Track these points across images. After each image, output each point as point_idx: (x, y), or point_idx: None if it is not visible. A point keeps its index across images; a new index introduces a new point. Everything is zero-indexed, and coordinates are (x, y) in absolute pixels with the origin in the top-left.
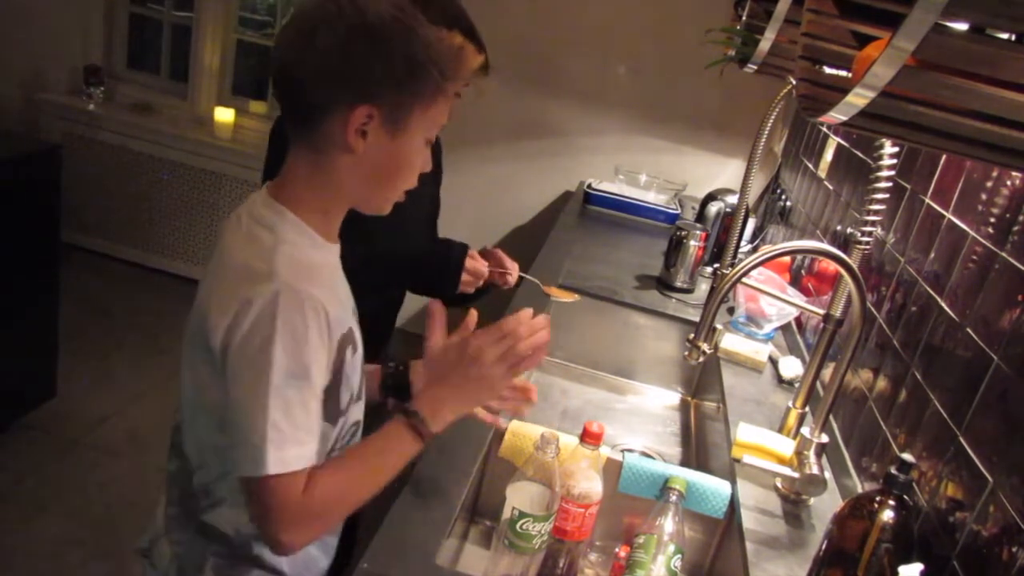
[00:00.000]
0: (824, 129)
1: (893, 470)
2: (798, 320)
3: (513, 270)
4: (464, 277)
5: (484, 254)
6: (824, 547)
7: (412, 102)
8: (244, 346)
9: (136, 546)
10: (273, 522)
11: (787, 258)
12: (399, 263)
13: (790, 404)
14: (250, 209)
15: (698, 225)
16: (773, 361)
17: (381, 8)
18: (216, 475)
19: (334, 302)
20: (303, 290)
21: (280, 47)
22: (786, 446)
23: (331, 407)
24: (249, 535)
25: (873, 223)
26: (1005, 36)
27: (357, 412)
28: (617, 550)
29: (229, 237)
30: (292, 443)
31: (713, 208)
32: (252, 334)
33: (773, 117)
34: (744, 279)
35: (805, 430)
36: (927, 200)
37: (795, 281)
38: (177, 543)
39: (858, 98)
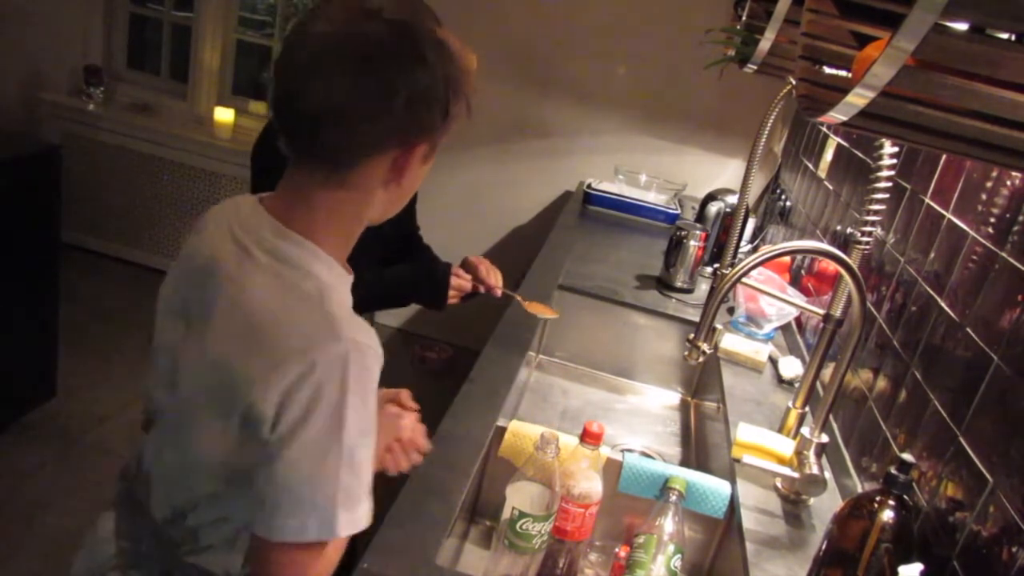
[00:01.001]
0: (824, 129)
1: (893, 470)
2: (798, 320)
3: (494, 281)
4: (450, 293)
5: (466, 266)
6: (824, 547)
7: (449, 127)
8: (312, 412)
9: None
10: None
11: (787, 258)
12: (386, 287)
13: (790, 404)
14: (259, 241)
15: (698, 225)
16: (773, 361)
17: (429, 40)
18: (209, 520)
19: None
20: (364, 343)
21: (306, 81)
22: (786, 446)
23: None
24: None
25: (873, 223)
26: (1005, 36)
27: None
28: (617, 550)
29: (247, 279)
30: (362, 500)
31: (713, 208)
32: (320, 399)
33: (773, 117)
34: (744, 279)
35: (805, 430)
36: (927, 200)
37: (795, 281)
38: None
39: (858, 98)
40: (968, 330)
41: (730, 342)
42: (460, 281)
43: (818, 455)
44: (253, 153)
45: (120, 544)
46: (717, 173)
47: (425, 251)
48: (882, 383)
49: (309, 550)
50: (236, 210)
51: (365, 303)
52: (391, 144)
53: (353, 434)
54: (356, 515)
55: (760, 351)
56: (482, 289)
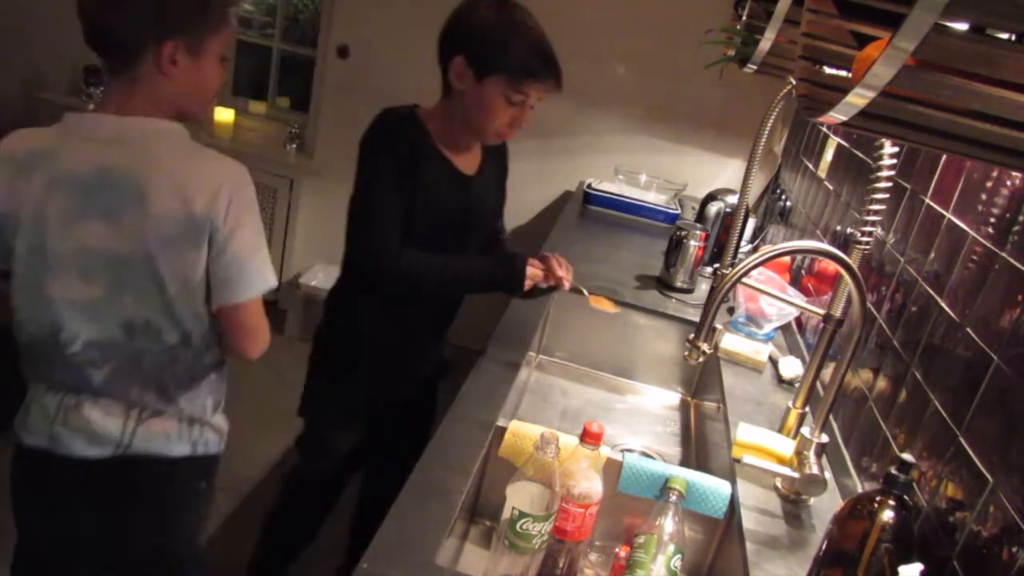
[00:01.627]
0: (824, 129)
1: (893, 470)
2: (798, 320)
3: (563, 274)
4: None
5: (539, 259)
6: (824, 547)
7: (209, 26)
8: (242, 211)
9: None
10: (263, 330)
11: (787, 258)
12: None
13: (790, 404)
14: (128, 135)
15: (698, 225)
16: (773, 361)
17: None
18: (207, 329)
19: None
20: (239, 163)
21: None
22: (786, 446)
23: None
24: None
25: (873, 223)
26: (1005, 36)
27: None
28: (617, 550)
29: (150, 162)
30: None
31: (713, 208)
32: (244, 201)
33: (773, 117)
34: (744, 279)
35: (805, 430)
36: (927, 200)
37: (795, 281)
38: (185, 406)
39: (858, 98)
40: (968, 330)
41: (730, 342)
42: (534, 270)
43: (818, 455)
44: (366, 142)
45: (166, 388)
46: (717, 173)
47: (504, 245)
48: (882, 383)
49: (260, 299)
50: (77, 123)
51: (448, 284)
52: (150, 38)
53: (259, 217)
54: (271, 271)
55: (760, 351)
56: (552, 281)
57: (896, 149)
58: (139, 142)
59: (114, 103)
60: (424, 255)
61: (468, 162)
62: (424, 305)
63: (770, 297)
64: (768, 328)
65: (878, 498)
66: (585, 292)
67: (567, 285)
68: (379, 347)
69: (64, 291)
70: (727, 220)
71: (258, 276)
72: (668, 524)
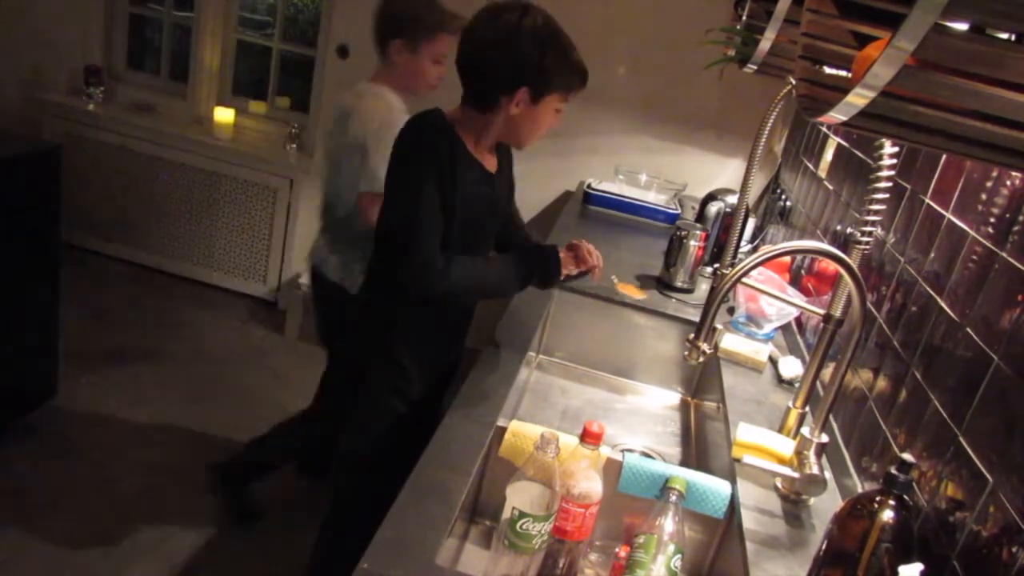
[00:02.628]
0: (824, 129)
1: (893, 470)
2: (798, 320)
3: (595, 262)
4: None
5: (571, 247)
6: (824, 547)
7: None
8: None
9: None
10: None
11: (787, 258)
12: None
13: (790, 404)
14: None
15: (698, 225)
16: (773, 361)
17: None
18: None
19: None
20: None
21: None
22: (786, 446)
23: None
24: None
25: (873, 223)
26: (1005, 36)
27: None
28: (617, 550)
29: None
30: None
31: (713, 208)
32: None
33: (773, 117)
34: (744, 279)
35: (805, 430)
36: (927, 200)
37: (795, 281)
38: (340, 252)
39: (858, 98)
40: (968, 330)
41: (730, 342)
42: (566, 258)
43: (818, 455)
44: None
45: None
46: (717, 173)
47: (525, 234)
48: (882, 383)
49: None
50: None
51: (491, 287)
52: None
53: None
54: None
55: (760, 351)
56: (584, 268)
57: (896, 149)
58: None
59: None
60: (464, 261)
61: (491, 161)
62: (452, 307)
63: (770, 297)
64: (768, 328)
65: (878, 498)
66: (615, 279)
67: (599, 273)
68: (412, 355)
69: None
70: (727, 220)
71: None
72: (668, 524)
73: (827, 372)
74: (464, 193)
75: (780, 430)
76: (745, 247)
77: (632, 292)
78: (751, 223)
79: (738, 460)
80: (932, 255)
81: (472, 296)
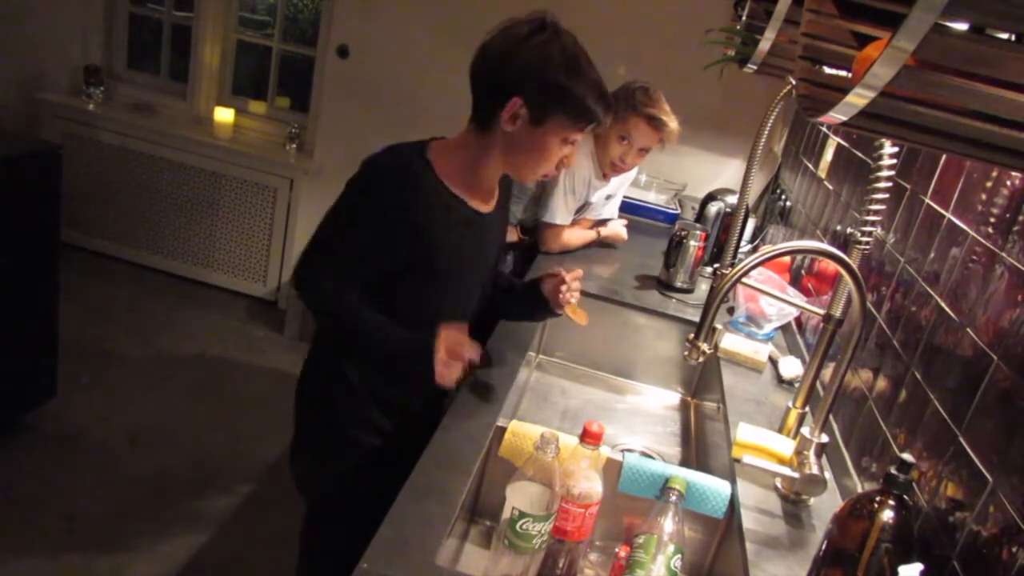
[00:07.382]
0: (824, 129)
1: (893, 470)
2: (798, 320)
3: (571, 284)
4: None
5: (553, 275)
6: (824, 547)
7: None
8: None
9: None
10: None
11: (787, 258)
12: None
13: (790, 404)
14: None
15: (698, 225)
16: (773, 361)
17: None
18: None
19: None
20: None
21: None
22: (786, 446)
23: None
24: None
25: (873, 223)
26: (1005, 36)
27: None
28: (617, 550)
29: None
30: None
31: (713, 208)
32: None
33: (773, 117)
34: (744, 279)
35: (805, 430)
36: (927, 200)
37: (795, 281)
38: None
39: (858, 98)
40: (968, 330)
41: (730, 342)
42: (441, 361)
43: (818, 455)
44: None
45: None
46: (717, 173)
47: (504, 282)
48: (882, 383)
49: None
50: None
51: (359, 339)
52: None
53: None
54: None
55: (760, 351)
56: (470, 363)
57: (896, 149)
58: None
59: None
60: (352, 304)
61: (486, 198)
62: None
63: (770, 297)
64: (768, 328)
65: (878, 498)
66: (572, 301)
67: (569, 298)
68: (368, 381)
69: None
70: (727, 220)
71: None
72: (668, 524)
73: (827, 372)
74: (434, 239)
75: (780, 430)
76: (745, 247)
77: (577, 317)
78: (751, 223)
79: (738, 460)
80: (932, 255)
81: (339, 330)
